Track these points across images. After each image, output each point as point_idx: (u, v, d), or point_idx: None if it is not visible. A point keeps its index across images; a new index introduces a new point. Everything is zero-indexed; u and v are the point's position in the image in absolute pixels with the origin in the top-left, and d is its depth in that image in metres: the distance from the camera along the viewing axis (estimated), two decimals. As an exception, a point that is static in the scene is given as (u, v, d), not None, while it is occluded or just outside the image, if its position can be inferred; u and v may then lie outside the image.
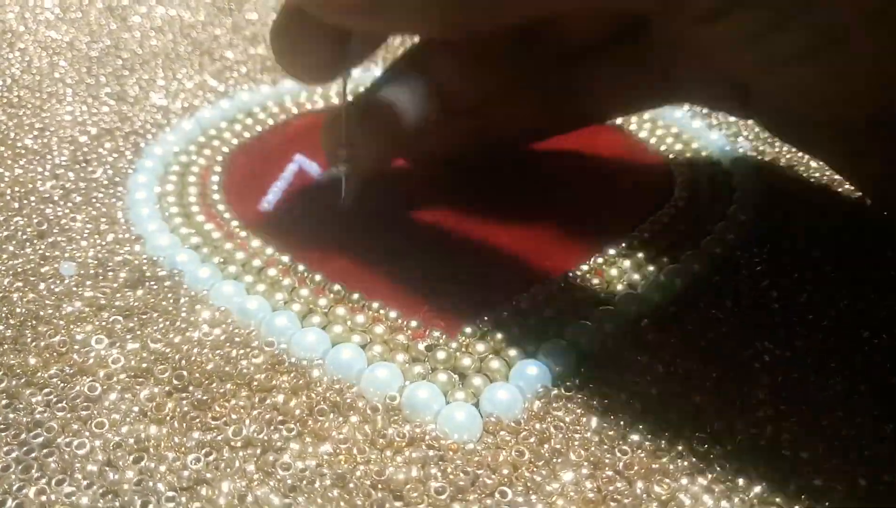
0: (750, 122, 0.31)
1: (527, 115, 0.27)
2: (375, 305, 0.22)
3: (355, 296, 0.22)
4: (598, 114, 0.28)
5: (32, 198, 0.26)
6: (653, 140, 0.31)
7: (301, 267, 0.24)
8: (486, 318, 0.22)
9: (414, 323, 0.22)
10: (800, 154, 0.29)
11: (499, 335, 0.21)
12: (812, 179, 0.27)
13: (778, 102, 0.22)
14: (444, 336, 0.21)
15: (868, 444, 0.19)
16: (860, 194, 0.26)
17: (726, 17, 0.18)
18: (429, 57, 0.24)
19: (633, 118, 0.32)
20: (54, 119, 0.31)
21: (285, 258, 0.24)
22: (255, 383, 0.20)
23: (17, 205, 0.26)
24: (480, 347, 0.21)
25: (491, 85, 0.25)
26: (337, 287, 0.23)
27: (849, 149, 0.22)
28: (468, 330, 0.21)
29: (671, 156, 0.30)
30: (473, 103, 0.25)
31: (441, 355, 0.21)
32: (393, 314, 0.22)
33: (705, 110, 0.32)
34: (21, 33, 0.38)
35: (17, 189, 0.27)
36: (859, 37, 0.18)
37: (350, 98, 0.24)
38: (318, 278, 0.23)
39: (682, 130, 0.31)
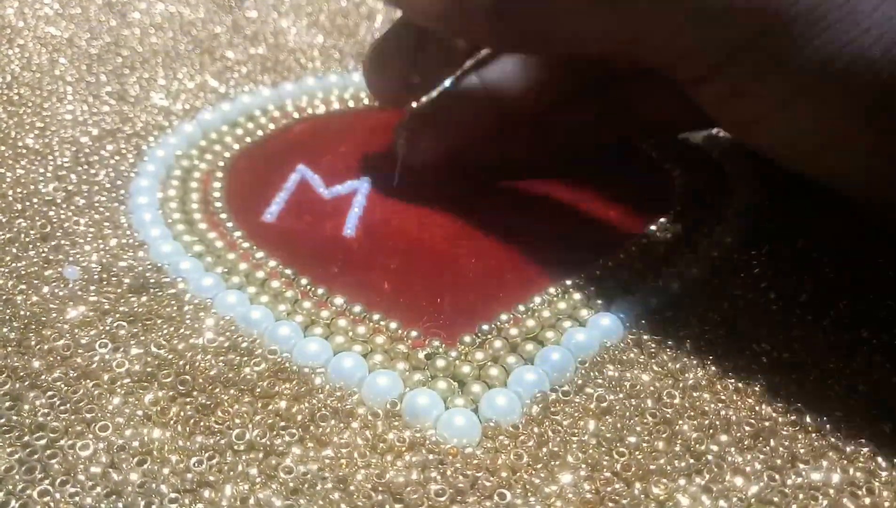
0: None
1: (585, 127, 0.29)
2: (376, 316, 0.22)
3: (356, 308, 0.23)
4: (655, 128, 0.30)
5: (35, 200, 0.26)
6: (651, 142, 0.31)
7: (304, 280, 0.24)
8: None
9: (414, 333, 0.22)
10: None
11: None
12: (810, 181, 0.27)
13: (766, 152, 0.24)
14: (443, 345, 0.22)
15: (867, 443, 0.19)
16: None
17: (705, 83, 0.21)
18: (491, 64, 0.27)
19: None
20: (55, 118, 0.31)
21: (288, 271, 0.24)
22: (258, 389, 0.20)
23: (19, 207, 0.26)
24: (479, 355, 0.21)
25: (550, 94, 0.27)
26: (339, 300, 0.23)
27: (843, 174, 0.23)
28: (467, 339, 0.22)
29: (669, 158, 0.30)
30: (532, 111, 0.28)
31: (440, 363, 0.21)
32: (393, 325, 0.22)
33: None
34: (20, 29, 0.37)
35: (19, 190, 0.27)
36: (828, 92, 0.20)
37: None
38: (320, 291, 0.23)
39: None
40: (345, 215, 0.27)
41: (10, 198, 0.26)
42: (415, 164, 0.28)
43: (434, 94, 0.29)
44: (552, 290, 0.23)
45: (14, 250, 0.24)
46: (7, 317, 0.21)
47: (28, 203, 0.26)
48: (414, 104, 0.29)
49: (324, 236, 0.26)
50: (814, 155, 0.22)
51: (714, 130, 0.31)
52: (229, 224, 0.26)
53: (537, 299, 0.23)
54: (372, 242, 0.26)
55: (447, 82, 0.29)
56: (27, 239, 0.25)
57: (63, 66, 0.35)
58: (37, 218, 0.25)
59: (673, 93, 0.25)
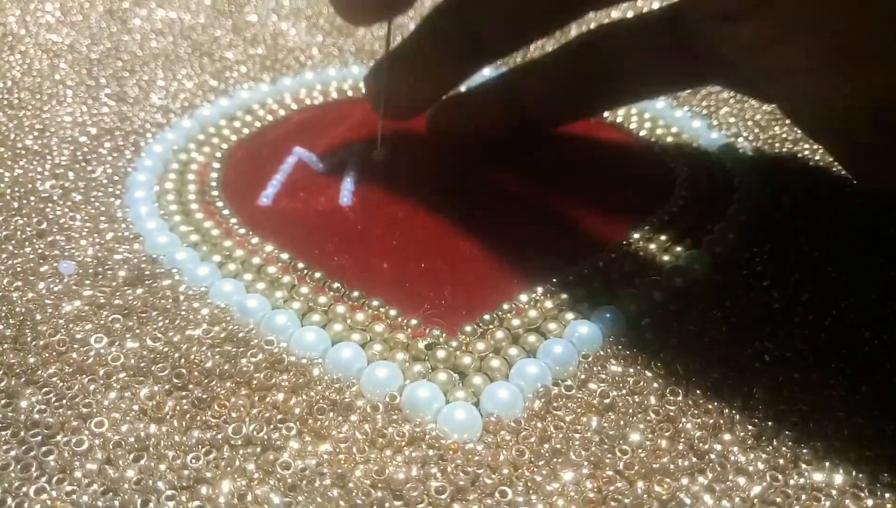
0: (750, 122, 0.31)
1: (562, 91, 0.28)
2: (375, 303, 0.22)
3: (355, 294, 0.22)
4: (633, 93, 0.29)
5: (32, 198, 0.26)
6: (653, 140, 0.31)
7: (301, 264, 0.24)
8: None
9: (414, 321, 0.22)
10: (800, 154, 0.29)
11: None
12: (813, 179, 0.27)
13: (786, 107, 0.22)
14: (444, 335, 0.21)
15: (869, 444, 0.19)
16: (861, 194, 0.26)
17: (745, 21, 0.19)
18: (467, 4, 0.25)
19: (634, 118, 0.32)
20: (54, 120, 0.31)
21: (285, 256, 0.24)
22: (255, 381, 0.20)
23: (16, 205, 0.26)
24: (481, 345, 0.21)
25: (529, 34, 0.26)
26: (337, 285, 0.23)
27: (855, 145, 0.22)
28: (468, 329, 0.21)
29: (671, 156, 0.30)
30: (509, 50, 0.26)
31: (441, 353, 0.21)
32: (393, 313, 0.22)
33: (705, 111, 0.33)
34: (22, 36, 0.38)
35: (16, 189, 0.27)
36: (863, 48, 0.18)
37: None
38: (317, 275, 0.23)
39: (683, 129, 0.31)
40: (339, 186, 0.27)
41: (8, 197, 0.26)
42: (398, 116, 0.26)
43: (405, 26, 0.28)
44: (555, 280, 0.23)
45: (10, 248, 0.24)
46: (3, 314, 0.21)
47: (25, 201, 0.26)
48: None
49: (319, 212, 0.26)
50: (850, 120, 0.20)
51: (704, 124, 0.31)
52: (225, 211, 0.26)
53: (539, 289, 0.23)
54: (369, 215, 0.26)
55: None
56: (23, 236, 0.25)
57: (63, 70, 0.35)
58: (33, 215, 0.25)
59: (650, 56, 0.24)
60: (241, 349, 0.20)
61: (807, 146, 0.29)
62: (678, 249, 0.25)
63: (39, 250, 0.24)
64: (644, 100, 0.31)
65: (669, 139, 0.31)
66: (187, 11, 0.41)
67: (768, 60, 0.20)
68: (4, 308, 0.21)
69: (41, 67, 0.35)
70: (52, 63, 0.36)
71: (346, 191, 0.27)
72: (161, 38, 0.39)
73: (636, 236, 0.25)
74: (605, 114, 0.32)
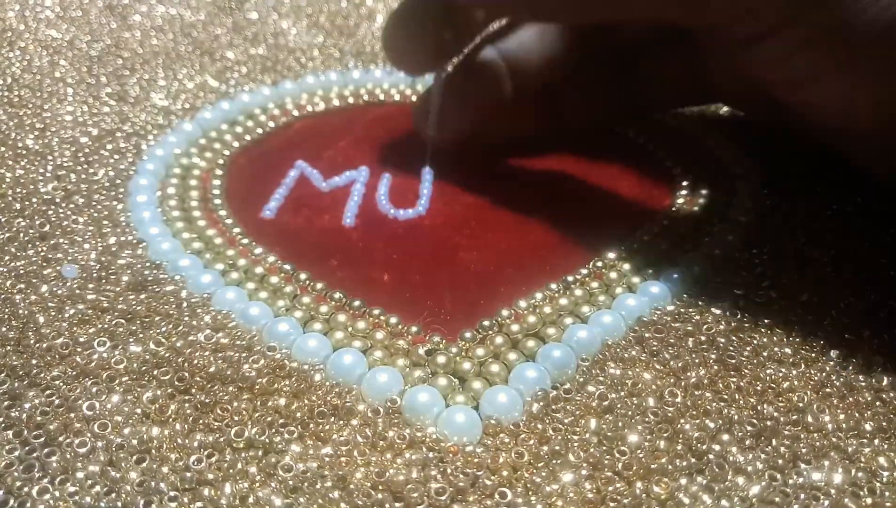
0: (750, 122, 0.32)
1: (585, 105, 0.30)
2: (376, 311, 0.22)
3: (356, 303, 0.23)
4: (645, 107, 0.31)
5: (34, 200, 0.26)
6: (653, 143, 0.31)
7: (303, 275, 0.24)
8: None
9: (414, 329, 0.22)
10: (799, 154, 0.29)
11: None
12: (812, 180, 0.27)
13: (809, 113, 0.24)
14: (444, 341, 0.21)
15: (869, 444, 0.19)
16: (860, 194, 0.26)
17: (762, 42, 0.22)
18: (507, 36, 0.28)
19: (634, 121, 0.32)
20: (55, 119, 0.31)
21: (287, 266, 0.24)
22: (257, 386, 0.20)
23: (18, 206, 0.26)
24: (480, 351, 0.21)
25: (559, 67, 0.28)
26: (338, 295, 0.23)
27: (878, 146, 0.23)
28: (468, 334, 0.22)
29: (670, 158, 0.30)
30: (546, 80, 0.29)
31: (441, 359, 0.21)
32: (393, 320, 0.22)
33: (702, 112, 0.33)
34: (21, 32, 0.38)
35: (18, 190, 0.27)
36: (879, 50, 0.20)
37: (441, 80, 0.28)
38: (319, 286, 0.23)
39: (681, 131, 0.31)
40: (343, 206, 0.27)
41: (10, 198, 0.26)
42: (444, 143, 0.28)
43: (451, 66, 0.29)
44: (553, 286, 0.23)
45: (13, 250, 0.24)
46: (6, 316, 0.21)
47: (27, 203, 0.26)
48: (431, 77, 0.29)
49: (322, 229, 0.26)
50: (865, 113, 0.22)
51: (711, 107, 0.32)
52: (228, 221, 0.26)
53: (538, 295, 0.23)
54: (371, 232, 0.26)
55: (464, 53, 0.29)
56: (26, 238, 0.25)
57: (63, 68, 0.35)
58: (36, 217, 0.25)
59: (662, 75, 0.26)
60: (244, 355, 0.20)
61: (806, 147, 0.29)
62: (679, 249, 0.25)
63: (42, 253, 0.24)
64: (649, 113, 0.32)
65: (669, 142, 0.31)
66: (187, 8, 0.41)
67: (788, 70, 0.22)
68: (7, 310, 0.22)
69: (41, 63, 0.35)
70: (52, 60, 0.36)
71: (351, 212, 0.27)
72: (161, 35, 0.39)
73: (635, 238, 0.25)
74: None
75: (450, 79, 0.28)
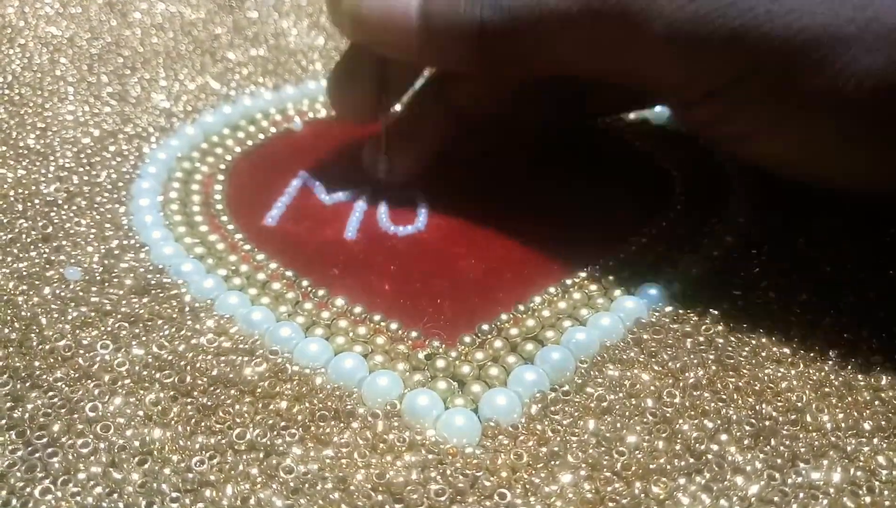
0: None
1: (541, 116, 0.30)
2: (377, 317, 0.22)
3: (357, 309, 0.23)
4: (591, 113, 0.32)
5: (37, 201, 0.26)
6: (651, 143, 0.31)
7: (305, 282, 0.24)
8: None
9: (414, 334, 0.22)
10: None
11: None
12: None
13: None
14: (443, 345, 0.22)
15: (868, 443, 0.19)
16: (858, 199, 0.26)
17: (702, 106, 0.22)
18: (449, 87, 0.28)
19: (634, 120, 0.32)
20: (56, 119, 0.31)
21: (289, 273, 0.24)
22: (259, 390, 0.20)
23: (20, 207, 0.26)
24: (479, 355, 0.21)
25: (505, 107, 0.29)
26: (340, 301, 0.23)
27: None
28: (467, 339, 0.22)
29: (668, 159, 0.30)
30: (489, 119, 0.29)
31: (440, 363, 0.21)
32: (394, 326, 0.22)
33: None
34: (21, 28, 0.38)
35: (20, 191, 0.27)
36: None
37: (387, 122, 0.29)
38: (321, 292, 0.23)
39: (681, 132, 0.31)
40: (345, 219, 0.27)
41: (12, 198, 0.26)
42: (395, 183, 0.28)
43: (398, 109, 0.30)
44: (552, 289, 0.23)
45: (15, 251, 0.24)
46: (8, 318, 0.21)
47: (29, 204, 0.26)
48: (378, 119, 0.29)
49: (324, 240, 0.26)
50: (806, 164, 0.23)
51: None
52: (230, 227, 0.27)
53: (537, 299, 0.23)
54: (372, 244, 0.26)
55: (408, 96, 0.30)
56: (28, 240, 0.25)
57: (64, 66, 0.35)
58: (38, 219, 0.25)
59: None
60: (246, 359, 0.21)
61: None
62: (677, 250, 0.25)
63: (45, 255, 0.24)
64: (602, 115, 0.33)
65: (668, 143, 0.31)
66: (187, 5, 0.41)
67: (726, 131, 0.23)
68: (10, 312, 0.22)
69: (41, 61, 0.35)
70: (53, 58, 0.35)
71: (353, 227, 0.27)
72: (162, 33, 0.38)
73: (634, 240, 0.25)
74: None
75: (393, 126, 0.28)
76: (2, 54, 0.35)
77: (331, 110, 0.34)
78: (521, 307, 0.23)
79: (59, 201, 0.26)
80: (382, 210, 0.28)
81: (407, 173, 0.29)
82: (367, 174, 0.29)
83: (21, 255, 0.24)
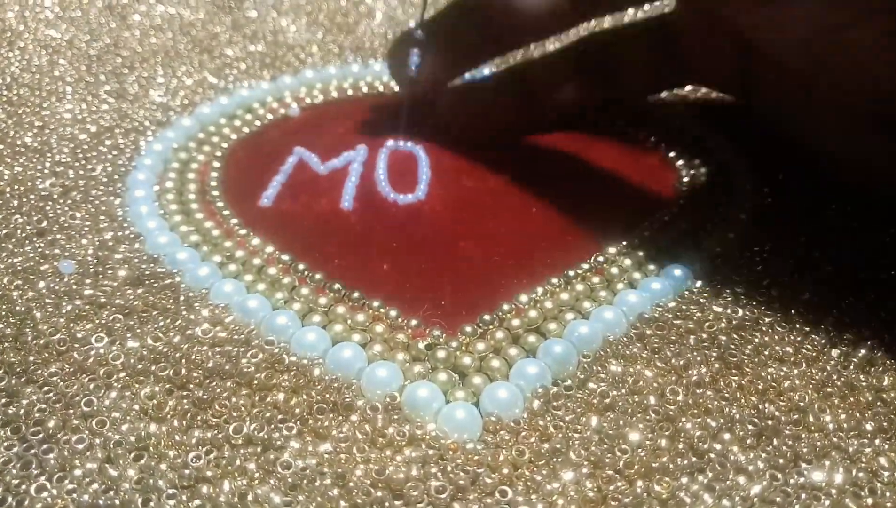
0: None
1: (569, 96, 0.30)
2: (376, 303, 0.22)
3: (355, 295, 0.22)
4: (621, 96, 0.31)
5: (32, 196, 0.26)
6: (656, 139, 0.31)
7: (301, 266, 0.24)
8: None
9: (414, 322, 0.22)
10: (799, 154, 0.29)
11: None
12: (813, 179, 0.27)
13: (782, 69, 0.24)
14: (444, 335, 0.21)
15: (870, 444, 0.19)
16: (860, 193, 0.26)
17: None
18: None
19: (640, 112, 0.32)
20: (54, 117, 0.31)
21: (285, 257, 0.24)
22: (256, 381, 0.20)
23: (16, 203, 0.26)
24: (481, 346, 0.21)
25: (533, 26, 0.28)
26: (337, 286, 0.23)
27: (847, 135, 0.23)
28: (468, 329, 0.21)
29: (672, 155, 0.30)
30: (519, 46, 0.30)
31: (441, 354, 0.21)
32: (393, 313, 0.22)
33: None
34: (20, 32, 0.38)
35: (16, 187, 0.27)
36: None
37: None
38: (318, 276, 0.23)
39: (683, 130, 0.31)
40: (341, 189, 0.27)
41: (8, 194, 0.26)
42: (420, 87, 0.28)
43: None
44: (554, 280, 0.23)
45: (10, 246, 0.24)
46: (3, 313, 0.21)
47: (25, 199, 0.26)
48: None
49: (320, 214, 0.26)
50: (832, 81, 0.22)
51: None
52: (226, 212, 0.26)
53: (539, 290, 0.23)
54: (369, 216, 0.26)
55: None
56: (23, 235, 0.25)
57: (62, 66, 0.35)
58: (33, 214, 0.25)
59: (643, 63, 0.27)
60: (242, 350, 0.20)
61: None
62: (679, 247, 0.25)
63: (39, 249, 0.24)
64: (633, 99, 0.33)
65: (670, 139, 0.31)
66: (186, 7, 0.41)
67: (772, 9, 0.22)
68: (5, 307, 0.21)
69: (40, 63, 0.35)
70: (52, 59, 0.36)
71: (349, 194, 0.27)
72: (160, 34, 0.38)
73: (636, 234, 0.25)
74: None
75: (427, 25, 0.28)
76: (1, 57, 0.35)
77: (327, 95, 0.34)
78: (524, 298, 0.22)
79: (55, 196, 0.26)
80: (381, 169, 0.27)
81: (436, 77, 0.28)
82: (392, 70, 0.28)
83: (16, 250, 0.24)
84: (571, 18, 0.29)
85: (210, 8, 0.41)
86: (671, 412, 0.19)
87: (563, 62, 0.30)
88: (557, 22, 0.29)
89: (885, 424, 0.19)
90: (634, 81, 0.30)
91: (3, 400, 0.19)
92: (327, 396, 0.19)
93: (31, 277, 0.23)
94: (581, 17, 0.29)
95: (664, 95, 0.33)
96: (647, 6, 0.31)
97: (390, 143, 0.29)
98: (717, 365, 0.20)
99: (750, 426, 0.19)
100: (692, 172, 0.29)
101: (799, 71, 0.24)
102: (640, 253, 0.24)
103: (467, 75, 0.32)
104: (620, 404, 0.19)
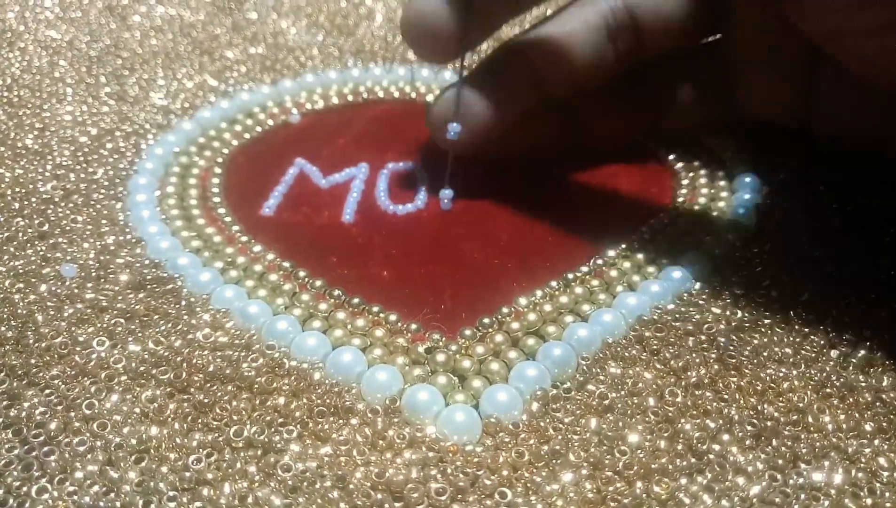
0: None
1: (608, 121, 0.29)
2: (375, 309, 0.22)
3: (355, 300, 0.23)
4: (670, 123, 0.30)
5: (33, 199, 0.26)
6: (654, 141, 0.31)
7: (302, 273, 0.24)
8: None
9: (414, 326, 0.22)
10: (800, 154, 0.29)
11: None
12: (813, 179, 0.27)
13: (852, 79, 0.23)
14: (443, 339, 0.21)
15: (869, 444, 0.19)
16: (861, 193, 0.26)
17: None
18: (529, 46, 0.27)
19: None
20: (54, 119, 0.31)
21: (286, 264, 0.24)
22: (256, 385, 0.20)
23: (17, 206, 0.26)
24: (480, 349, 0.21)
25: (582, 77, 0.27)
26: (337, 292, 0.23)
27: None
28: (468, 332, 0.21)
29: (671, 158, 0.30)
30: (565, 93, 0.28)
31: (441, 357, 0.21)
32: (393, 318, 0.22)
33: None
34: (21, 33, 0.38)
35: (17, 190, 0.27)
36: None
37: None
38: (318, 283, 0.23)
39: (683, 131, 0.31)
40: (342, 203, 0.27)
41: (9, 197, 0.26)
42: (462, 146, 0.26)
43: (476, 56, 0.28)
44: (553, 283, 0.23)
45: (12, 249, 0.24)
46: (5, 316, 0.21)
47: (26, 202, 0.26)
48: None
49: (321, 226, 0.26)
50: None
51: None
52: (227, 218, 0.26)
53: (538, 293, 0.23)
54: (370, 227, 0.26)
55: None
56: (25, 238, 0.25)
57: (63, 68, 0.35)
58: (35, 217, 0.25)
59: (687, 90, 0.26)
60: (243, 354, 0.20)
61: (807, 145, 0.29)
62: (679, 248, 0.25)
63: (41, 252, 0.24)
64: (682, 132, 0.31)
65: (670, 141, 0.31)
66: (187, 8, 0.41)
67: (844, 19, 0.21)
68: (6, 310, 0.22)
69: (40, 64, 0.35)
70: (52, 60, 0.36)
71: (350, 208, 0.27)
72: (161, 35, 0.38)
73: (636, 236, 0.25)
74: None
75: (475, 71, 0.27)
76: (1, 58, 0.35)
77: (328, 100, 0.34)
78: (523, 301, 0.23)
79: (56, 199, 0.26)
80: (381, 188, 0.28)
81: (478, 131, 0.26)
82: (434, 137, 0.27)
83: (17, 253, 0.24)
84: (616, 71, 0.28)
85: (210, 9, 0.41)
86: (670, 414, 0.19)
87: (609, 96, 0.29)
88: (603, 74, 0.27)
89: (884, 424, 0.19)
90: (683, 115, 0.29)
91: (5, 403, 0.19)
92: (327, 399, 0.19)
93: (33, 280, 0.23)
94: (627, 68, 0.28)
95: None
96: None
97: (391, 165, 0.29)
98: (716, 366, 0.20)
99: (749, 427, 0.19)
100: (691, 174, 0.29)
101: (876, 77, 0.23)
102: (639, 256, 0.24)
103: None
104: (620, 405, 0.19)
